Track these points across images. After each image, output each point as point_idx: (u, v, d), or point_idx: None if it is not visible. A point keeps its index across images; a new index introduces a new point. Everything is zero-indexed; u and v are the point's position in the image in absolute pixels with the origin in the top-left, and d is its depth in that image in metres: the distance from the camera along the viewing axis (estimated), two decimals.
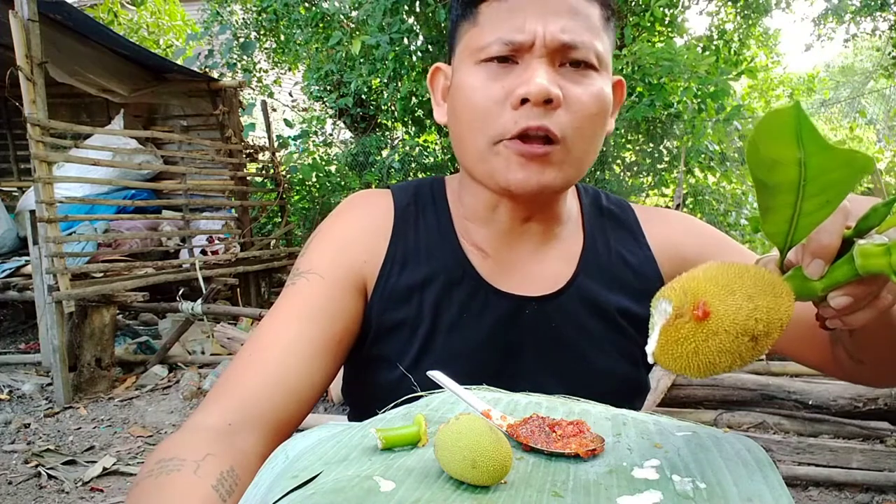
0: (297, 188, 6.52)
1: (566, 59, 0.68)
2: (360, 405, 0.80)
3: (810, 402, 2.84)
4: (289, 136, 6.65)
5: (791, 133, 0.41)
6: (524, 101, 0.67)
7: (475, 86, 0.70)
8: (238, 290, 5.30)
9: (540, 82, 0.66)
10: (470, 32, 0.72)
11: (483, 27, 0.70)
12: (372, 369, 0.77)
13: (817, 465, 2.47)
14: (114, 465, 2.75)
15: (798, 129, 0.41)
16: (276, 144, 6.02)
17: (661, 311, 0.47)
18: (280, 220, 6.03)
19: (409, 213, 0.80)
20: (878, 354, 0.63)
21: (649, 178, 5.44)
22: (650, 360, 0.49)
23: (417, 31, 5.09)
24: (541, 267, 0.79)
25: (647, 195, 5.51)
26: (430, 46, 5.10)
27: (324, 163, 6.44)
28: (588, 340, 0.77)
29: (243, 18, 6.80)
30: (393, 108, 5.73)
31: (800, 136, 0.41)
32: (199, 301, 4.01)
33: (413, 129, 6.04)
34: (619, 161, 5.48)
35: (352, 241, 0.77)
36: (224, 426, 0.62)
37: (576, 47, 0.68)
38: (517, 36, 0.68)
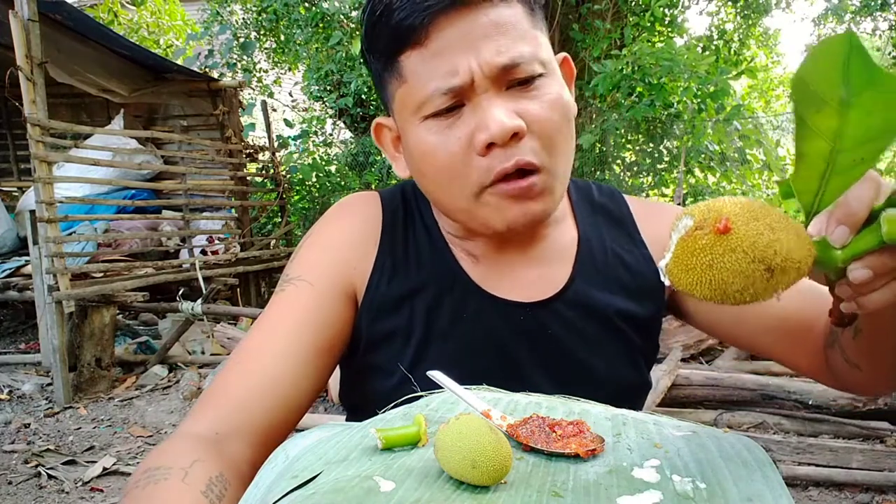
0: (297, 188, 6.52)
1: (512, 80, 0.64)
2: (359, 412, 0.79)
3: (810, 402, 2.84)
4: (289, 136, 6.66)
5: (839, 67, 0.39)
6: (490, 145, 0.64)
7: (431, 143, 0.66)
8: (238, 290, 5.30)
9: (499, 120, 0.62)
10: (401, 90, 0.67)
11: (412, 82, 0.66)
12: (367, 378, 0.77)
13: (817, 465, 2.47)
14: (114, 465, 2.75)
15: (846, 61, 0.38)
16: (276, 144, 6.02)
17: (680, 227, 0.45)
18: (280, 220, 6.04)
19: (398, 220, 0.78)
20: (879, 358, 0.62)
21: (649, 178, 5.44)
22: (662, 277, 0.47)
23: None
24: (534, 270, 0.77)
25: (647, 195, 5.51)
26: None
27: (324, 163, 6.45)
28: (586, 345, 0.75)
29: (243, 18, 6.80)
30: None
31: (847, 70, 0.38)
32: (199, 301, 4.01)
33: None
34: (619, 161, 5.48)
35: (341, 247, 0.76)
36: (212, 435, 0.61)
37: (516, 64, 0.63)
38: (453, 81, 0.63)
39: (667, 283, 0.46)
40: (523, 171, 0.65)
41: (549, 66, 0.67)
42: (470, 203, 0.68)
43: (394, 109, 0.71)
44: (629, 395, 0.78)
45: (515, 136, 0.64)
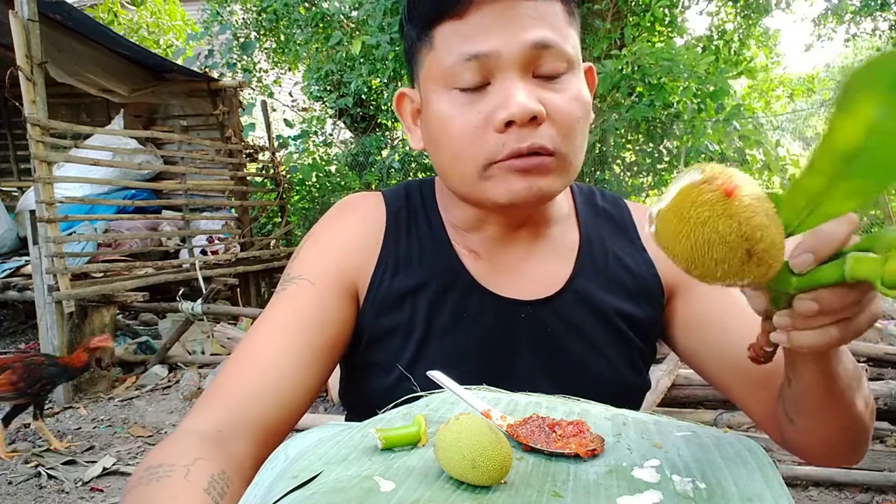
0: (297, 188, 6.52)
1: (538, 65, 0.66)
2: (357, 410, 0.79)
3: None
4: (289, 136, 6.65)
5: (885, 85, 0.36)
6: (508, 123, 0.65)
7: (450, 114, 0.68)
8: (238, 290, 5.30)
9: (521, 101, 0.64)
10: (429, 57, 0.70)
11: (440, 49, 0.68)
12: (367, 375, 0.77)
13: (817, 465, 2.47)
14: (114, 465, 2.75)
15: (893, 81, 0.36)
16: (276, 144, 6.02)
17: (685, 178, 0.43)
18: (280, 220, 6.04)
19: (401, 218, 0.79)
20: (810, 414, 0.62)
21: (649, 178, 5.44)
22: (649, 225, 0.45)
23: None
24: (535, 269, 0.77)
25: (647, 195, 5.51)
26: None
27: (324, 163, 6.44)
28: (585, 343, 0.76)
29: (243, 18, 6.80)
30: (393, 108, 5.72)
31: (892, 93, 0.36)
32: (199, 301, 4.01)
33: None
34: (619, 161, 5.48)
35: (343, 246, 0.76)
36: (214, 432, 0.61)
37: (546, 45, 0.65)
38: (480, 47, 0.65)
39: (650, 229, 0.44)
40: (536, 153, 0.66)
41: (575, 64, 0.69)
42: (477, 174, 0.68)
43: (420, 78, 0.73)
44: (628, 394, 0.78)
45: (534, 121, 0.65)
